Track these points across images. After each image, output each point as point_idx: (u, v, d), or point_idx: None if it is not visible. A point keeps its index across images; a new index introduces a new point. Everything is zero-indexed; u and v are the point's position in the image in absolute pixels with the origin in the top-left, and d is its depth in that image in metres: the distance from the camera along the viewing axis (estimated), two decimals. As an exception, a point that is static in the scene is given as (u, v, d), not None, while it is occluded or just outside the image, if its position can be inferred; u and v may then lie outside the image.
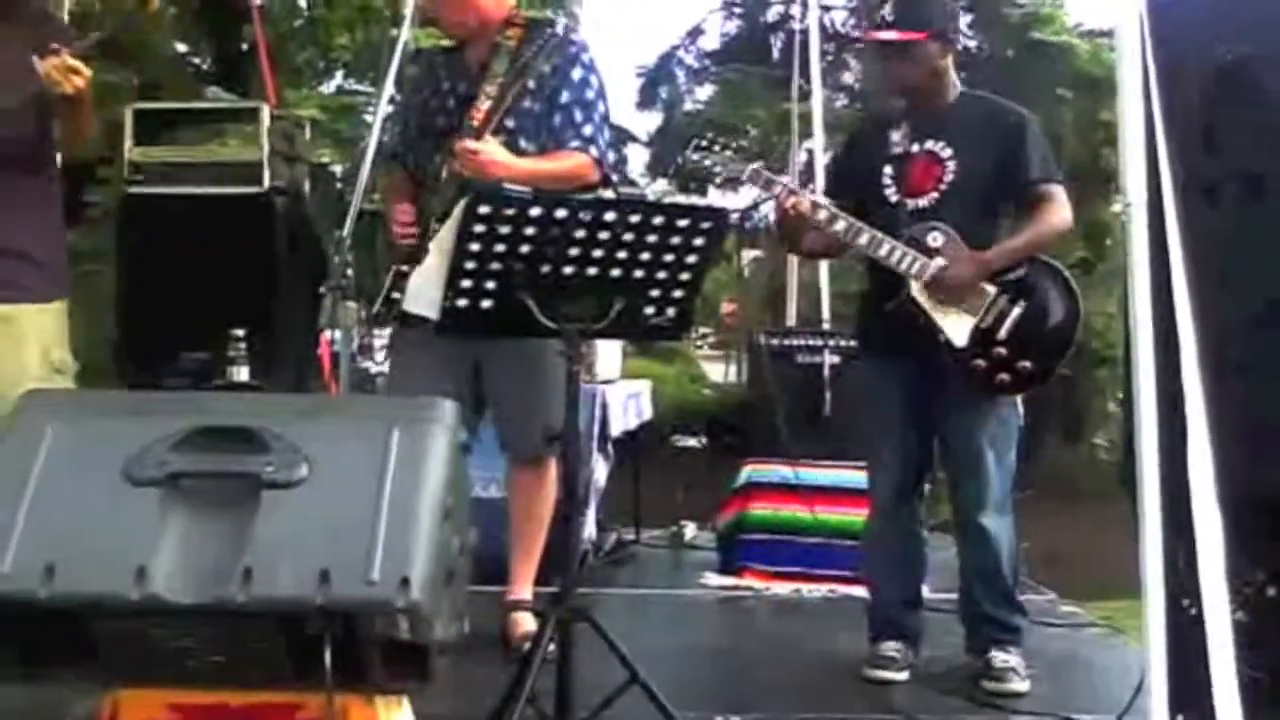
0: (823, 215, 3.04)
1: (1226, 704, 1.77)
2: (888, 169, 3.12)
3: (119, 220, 4.88)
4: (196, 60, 6.39)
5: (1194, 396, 1.85)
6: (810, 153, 5.92)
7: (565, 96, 3.07)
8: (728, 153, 3.22)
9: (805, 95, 6.58)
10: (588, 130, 3.10)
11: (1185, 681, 1.89)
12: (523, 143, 3.06)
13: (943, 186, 3.08)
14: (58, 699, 2.48)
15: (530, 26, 3.10)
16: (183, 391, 3.72)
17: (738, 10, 10.84)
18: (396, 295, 3.01)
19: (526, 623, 3.11)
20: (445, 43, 3.36)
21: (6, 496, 1.69)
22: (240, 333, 4.24)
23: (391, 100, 3.41)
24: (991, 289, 3.01)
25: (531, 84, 3.05)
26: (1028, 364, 3.00)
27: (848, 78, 10.43)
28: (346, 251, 3.12)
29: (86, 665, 1.74)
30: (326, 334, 4.02)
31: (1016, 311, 3.01)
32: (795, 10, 8.26)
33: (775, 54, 9.95)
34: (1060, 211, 3.06)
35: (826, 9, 9.18)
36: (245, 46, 5.67)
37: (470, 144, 2.95)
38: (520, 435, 3.10)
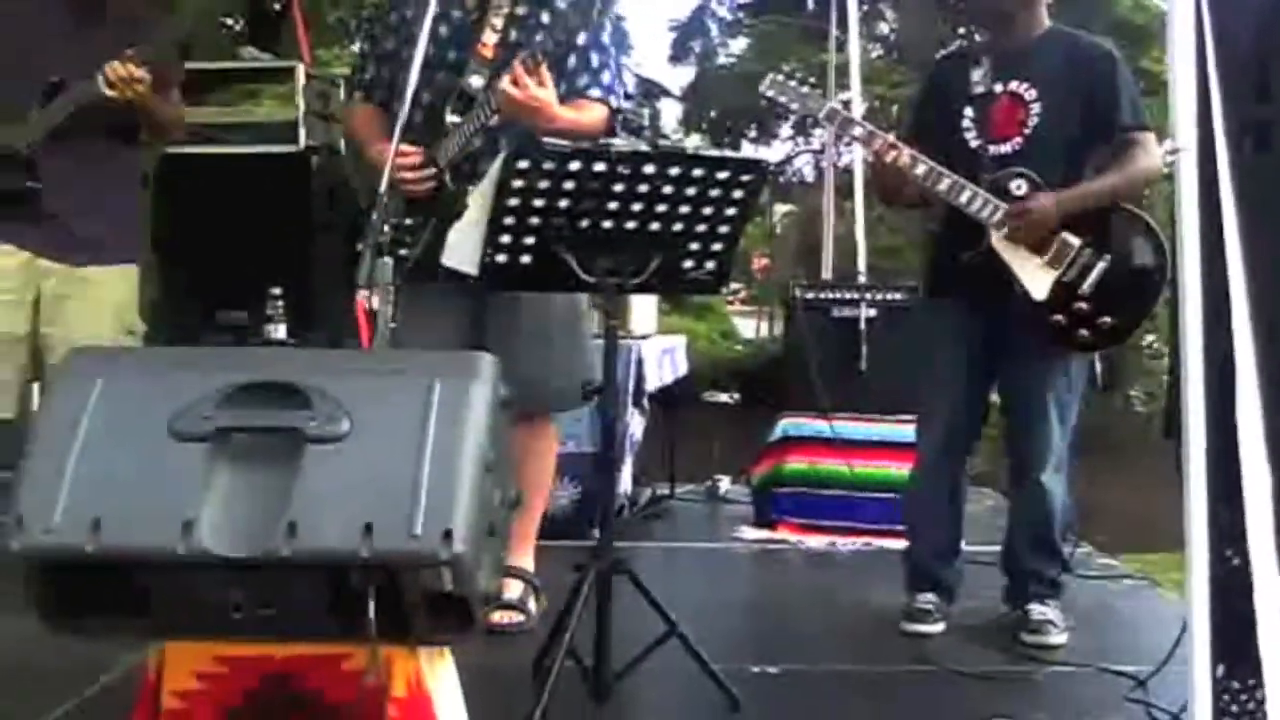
0: (904, 158, 2.91)
1: (1274, 658, 1.75)
2: (969, 111, 3.00)
3: (156, 181, 4.90)
4: (229, 21, 6.38)
5: (1243, 344, 1.82)
6: (847, 104, 5.85)
7: (583, 38, 2.87)
8: (804, 89, 3.04)
9: (841, 46, 6.50)
10: (606, 77, 2.95)
11: (1227, 633, 1.88)
12: None
13: (1026, 131, 2.96)
14: (105, 652, 2.54)
15: None
16: (222, 348, 3.75)
17: (772, -39, 10.71)
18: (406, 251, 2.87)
19: (510, 589, 2.97)
20: None
21: (54, 451, 1.71)
22: (277, 291, 4.26)
23: (369, 24, 3.21)
24: (1075, 241, 2.89)
25: (545, 18, 2.88)
26: (1109, 320, 2.90)
27: (883, 28, 10.32)
28: (385, 209, 3.11)
29: (133, 618, 1.76)
30: (362, 293, 4.03)
31: (1101, 266, 2.89)
32: (830, -40, 8.15)
33: (810, 4, 9.84)
34: (1150, 158, 2.91)
35: (861, -41, 9.03)
36: (278, 6, 5.65)
37: (534, 88, 2.71)
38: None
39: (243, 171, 4.66)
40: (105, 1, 2.92)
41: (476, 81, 2.89)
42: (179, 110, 3.10)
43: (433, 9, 2.63)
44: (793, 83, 3.05)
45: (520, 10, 2.92)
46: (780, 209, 11.07)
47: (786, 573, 4.05)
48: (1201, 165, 1.90)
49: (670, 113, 10.50)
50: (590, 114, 2.92)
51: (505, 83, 2.72)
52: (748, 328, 10.73)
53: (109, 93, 2.78)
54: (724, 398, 6.17)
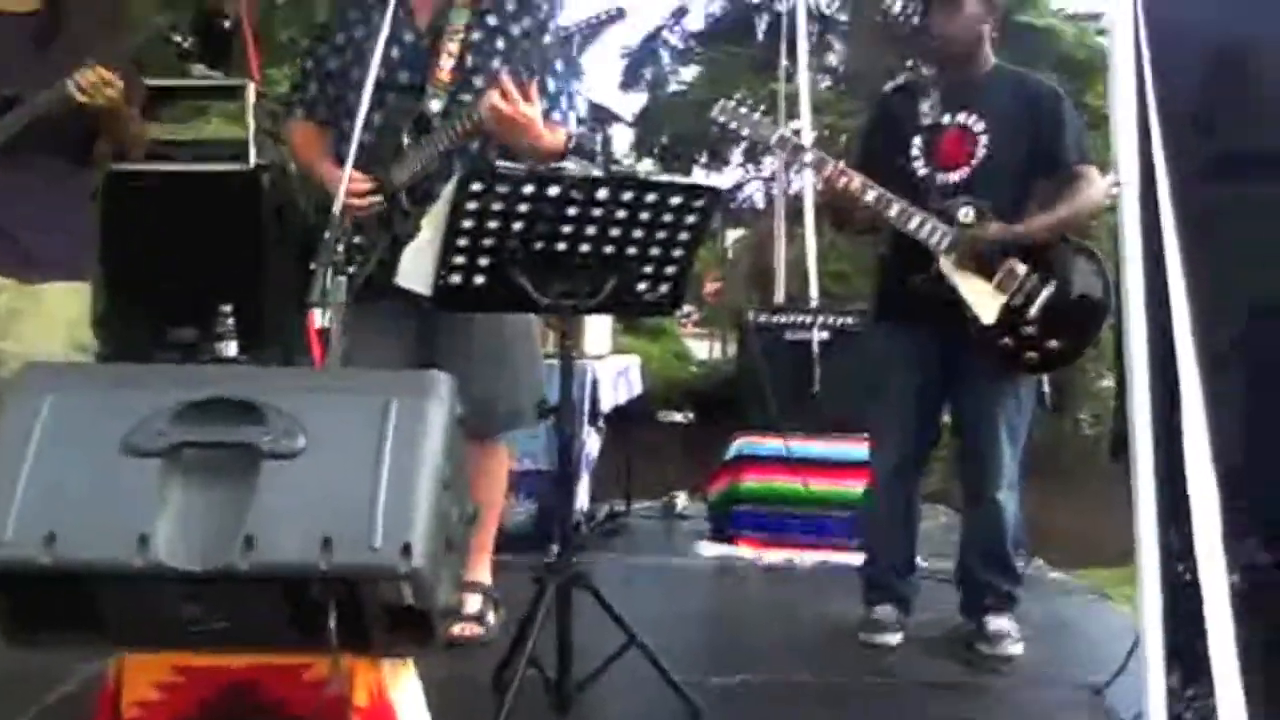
0: (856, 183, 2.96)
1: (1223, 666, 1.79)
2: (917, 140, 3.06)
3: (104, 197, 4.84)
4: (179, 38, 6.31)
5: (1187, 364, 1.87)
6: (797, 133, 5.92)
7: (538, 66, 2.87)
8: (755, 115, 3.08)
9: (790, 76, 6.57)
10: (563, 103, 2.98)
11: (1179, 644, 1.91)
12: None
13: (974, 162, 3.03)
14: (63, 662, 2.50)
15: None
16: (175, 365, 3.71)
17: (723, -9, 10.82)
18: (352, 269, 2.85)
19: (468, 603, 2.99)
20: None
21: (6, 465, 1.68)
22: (228, 308, 4.22)
23: (314, 43, 3.19)
24: (1022, 268, 2.96)
25: (500, 44, 2.92)
26: (1056, 343, 2.96)
27: (832, 59, 10.44)
28: (338, 228, 3.09)
29: (91, 631, 1.74)
30: (315, 311, 4.01)
31: (1047, 291, 2.95)
32: (781, -9, 8.24)
33: (760, 35, 9.95)
34: (1095, 191, 2.99)
35: (812, -10, 9.15)
36: (228, 24, 5.61)
37: (523, 105, 2.73)
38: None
39: (192, 189, 4.61)
40: (60, 26, 2.89)
41: (435, 106, 2.91)
42: (144, 127, 3.08)
43: (385, 31, 2.64)
44: (743, 109, 3.09)
45: (475, 36, 2.94)
46: (732, 234, 11.14)
47: (745, 587, 4.06)
48: (1143, 198, 1.96)
49: (622, 138, 10.55)
50: (557, 137, 2.94)
51: (494, 97, 2.74)
52: (701, 350, 10.77)
53: (80, 98, 2.74)
54: (678, 417, 6.19)
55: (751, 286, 9.45)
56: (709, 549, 4.39)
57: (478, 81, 2.89)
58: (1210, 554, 1.88)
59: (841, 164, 3.04)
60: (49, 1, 2.92)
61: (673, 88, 11.00)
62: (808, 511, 4.28)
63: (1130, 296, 1.96)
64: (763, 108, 3.16)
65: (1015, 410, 3.09)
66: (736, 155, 10.68)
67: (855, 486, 3.69)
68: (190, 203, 4.56)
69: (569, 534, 2.58)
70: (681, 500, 5.15)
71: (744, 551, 4.31)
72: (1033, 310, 2.96)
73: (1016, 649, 3.05)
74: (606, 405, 4.48)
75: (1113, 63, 1.99)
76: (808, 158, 3.13)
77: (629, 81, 10.99)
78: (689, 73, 11.05)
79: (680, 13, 11.03)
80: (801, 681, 2.88)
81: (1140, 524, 1.93)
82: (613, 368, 4.71)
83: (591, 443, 4.31)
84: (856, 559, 3.42)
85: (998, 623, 3.09)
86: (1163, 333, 1.90)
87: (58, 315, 2.88)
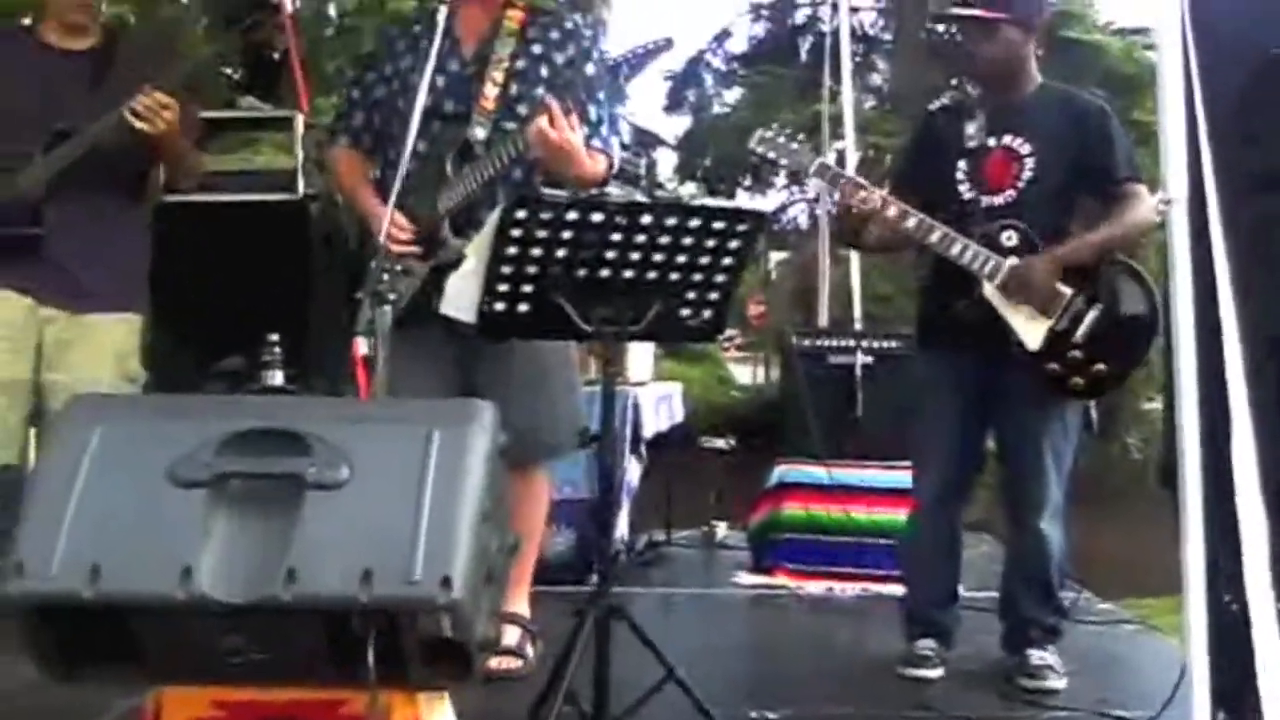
0: (893, 211, 2.94)
1: (1273, 699, 1.76)
2: (962, 163, 3.04)
3: (153, 228, 4.92)
4: (228, 70, 6.44)
5: (1238, 391, 1.84)
6: (840, 154, 5.90)
7: (581, 93, 2.89)
8: (794, 145, 3.05)
9: (834, 97, 6.56)
10: (604, 130, 3.01)
11: (1226, 677, 1.88)
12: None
13: (1020, 184, 2.99)
14: (101, 696, 2.52)
15: (531, 10, 2.97)
16: (222, 395, 3.76)
17: (765, 13, 10.88)
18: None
19: (506, 636, 2.95)
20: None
21: (53, 498, 1.72)
22: (275, 337, 4.26)
23: (361, 71, 3.23)
24: (1068, 290, 2.92)
25: (545, 72, 2.96)
26: (1103, 368, 2.92)
27: (876, 79, 10.44)
28: (384, 259, 3.12)
29: (131, 664, 1.76)
30: (359, 340, 4.04)
31: (1093, 314, 2.91)
32: (823, 12, 8.26)
33: (803, 56, 9.98)
34: (1145, 209, 2.93)
35: (855, 10, 9.16)
36: (276, 55, 5.71)
37: (570, 134, 2.76)
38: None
39: (241, 219, 4.67)
40: (113, 62, 2.95)
41: (480, 134, 2.94)
42: (199, 159, 3.14)
43: (433, 62, 2.67)
44: (781, 139, 3.06)
45: (520, 64, 2.97)
46: (775, 256, 11.14)
47: (784, 618, 4.03)
48: (1193, 214, 1.94)
49: (666, 162, 10.60)
50: (598, 166, 2.96)
51: (541, 122, 2.76)
52: (744, 374, 10.76)
53: (137, 124, 2.79)
54: (720, 444, 6.17)
55: (795, 308, 9.43)
56: (749, 579, 4.37)
57: (521, 109, 2.93)
58: (1259, 584, 1.85)
59: (881, 192, 3.01)
60: (103, 40, 2.98)
61: (716, 110, 11.07)
62: (849, 540, 4.25)
63: (1179, 316, 1.93)
64: (802, 136, 3.15)
65: (1061, 435, 3.05)
66: (780, 177, 10.69)
67: (897, 515, 3.66)
68: (238, 232, 4.62)
69: (608, 567, 2.58)
70: (722, 530, 5.13)
71: (783, 582, 4.28)
72: (1079, 334, 2.92)
73: (1059, 683, 3.00)
74: (649, 432, 4.49)
75: (1160, 77, 1.98)
76: (842, 184, 3.11)
77: (672, 105, 11.07)
78: (732, 95, 11.13)
79: (723, 35, 11.10)
80: (840, 715, 2.86)
81: (1188, 553, 1.91)
82: (655, 394, 4.72)
83: (633, 471, 4.32)
84: (898, 589, 3.39)
85: (1040, 656, 3.04)
86: (1213, 355, 1.88)
87: (107, 346, 2.93)
